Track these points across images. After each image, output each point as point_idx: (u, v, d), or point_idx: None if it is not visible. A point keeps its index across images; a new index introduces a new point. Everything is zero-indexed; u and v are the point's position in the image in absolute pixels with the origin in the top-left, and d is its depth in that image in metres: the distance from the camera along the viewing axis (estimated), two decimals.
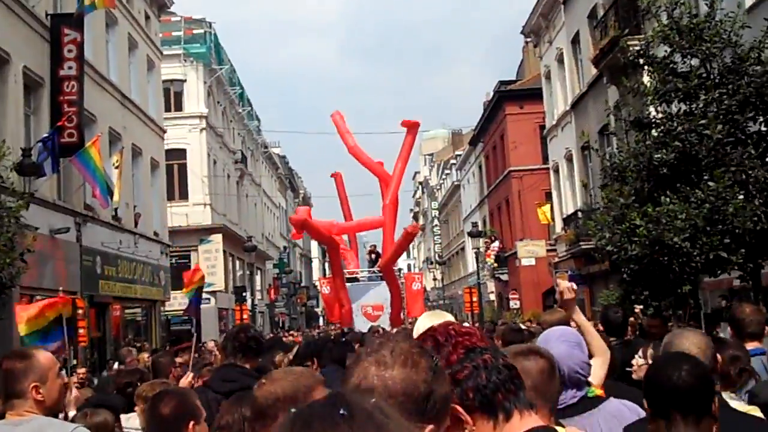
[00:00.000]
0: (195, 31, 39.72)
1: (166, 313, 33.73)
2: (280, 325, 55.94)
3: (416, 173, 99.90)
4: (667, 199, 9.56)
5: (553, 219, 34.48)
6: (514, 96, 40.80)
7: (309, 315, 75.69)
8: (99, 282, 23.03)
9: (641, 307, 13.40)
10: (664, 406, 3.00)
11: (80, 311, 18.25)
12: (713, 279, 12.67)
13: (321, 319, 68.20)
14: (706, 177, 9.46)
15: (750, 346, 5.00)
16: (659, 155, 9.99)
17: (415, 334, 4.37)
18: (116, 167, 22.19)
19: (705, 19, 10.55)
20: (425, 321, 4.25)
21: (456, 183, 63.14)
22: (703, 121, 9.60)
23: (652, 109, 12.21)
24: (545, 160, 37.00)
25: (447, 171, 69.67)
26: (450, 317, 4.40)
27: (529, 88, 39.46)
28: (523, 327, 14.43)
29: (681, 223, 9.20)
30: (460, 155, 61.25)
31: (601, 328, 14.71)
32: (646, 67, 11.23)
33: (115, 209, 23.27)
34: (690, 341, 3.75)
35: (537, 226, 36.73)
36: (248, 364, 5.12)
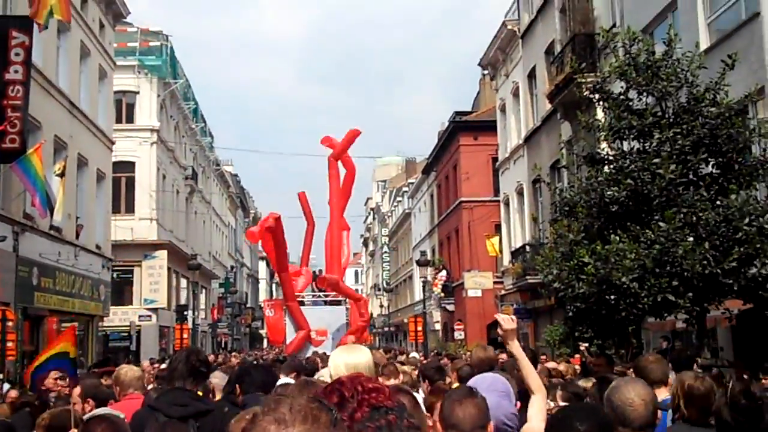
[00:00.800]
0: (151, 43, 39.18)
1: (105, 328, 32.91)
2: (223, 345, 55.08)
3: (368, 199, 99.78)
4: (617, 238, 9.39)
5: (501, 251, 34.50)
6: (468, 127, 40.92)
7: (253, 336, 74.88)
8: (35, 294, 22.28)
9: (586, 345, 13.25)
10: None
11: (10, 323, 17.55)
12: (657, 320, 12.60)
13: (265, 341, 67.44)
14: (657, 217, 9.32)
15: (659, 394, 5.07)
16: (611, 192, 9.85)
17: (330, 366, 4.46)
18: (58, 175, 21.55)
19: (662, 57, 10.49)
20: (341, 355, 4.47)
21: (407, 211, 63.09)
22: (656, 160, 9.49)
23: (604, 145, 12.13)
24: (496, 192, 37.06)
25: (399, 198, 69.64)
26: (367, 351, 4.59)
27: (484, 120, 39.61)
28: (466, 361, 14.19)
29: (630, 262, 9.03)
30: (412, 183, 61.25)
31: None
32: (600, 103, 11.13)
33: (52, 222, 22.47)
34: (636, 392, 3.72)
35: (485, 258, 36.72)
36: (195, 389, 5.05)
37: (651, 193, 9.46)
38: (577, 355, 16.49)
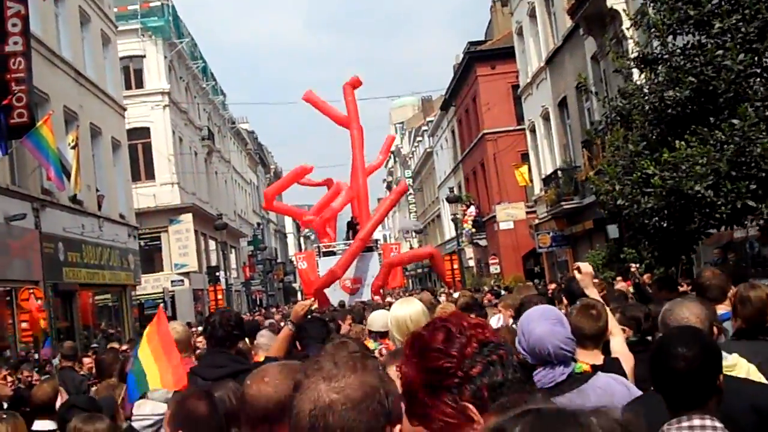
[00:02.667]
0: (152, 4, 38.12)
1: (138, 297, 32.63)
2: (258, 302, 54.95)
3: None
4: (683, 144, 8.51)
5: (531, 180, 33.65)
6: (484, 56, 39.69)
7: (287, 291, 74.87)
8: (63, 269, 21.85)
9: (637, 266, 12.51)
10: (669, 387, 2.95)
11: (39, 302, 17.05)
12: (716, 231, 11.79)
13: (299, 295, 67.32)
14: (725, 115, 8.40)
15: (719, 310, 5.12)
16: (671, 93, 8.91)
17: (390, 320, 5.01)
18: (73, 147, 20.91)
19: None
20: (399, 308, 5.00)
21: (428, 150, 62.12)
22: (719, 52, 8.52)
23: (632, 50, 11.02)
24: (520, 120, 36.09)
25: (419, 138, 68.60)
26: (420, 304, 5.07)
27: (500, 47, 38.38)
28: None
29: (702, 168, 8.11)
30: (431, 121, 60.18)
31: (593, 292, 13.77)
32: None
33: (75, 194, 21.90)
34: (690, 311, 3.81)
35: (514, 189, 35.95)
36: (233, 350, 5.23)
37: (717, 89, 8.49)
38: (619, 278, 15.83)
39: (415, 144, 71.31)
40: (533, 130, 32.56)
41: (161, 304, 17.04)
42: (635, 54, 10.17)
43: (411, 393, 1.86)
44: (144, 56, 37.51)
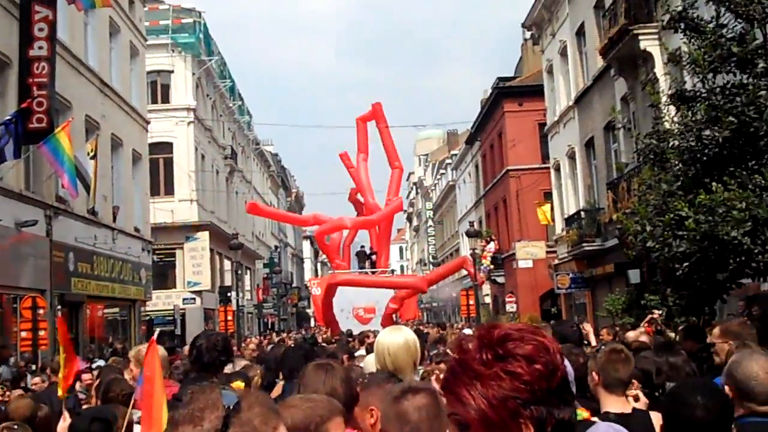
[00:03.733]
0: (184, 21, 38.19)
1: (148, 313, 32.27)
2: (269, 326, 54.49)
3: (410, 174, 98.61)
4: (721, 186, 8.03)
5: (553, 219, 33.11)
6: (513, 93, 39.38)
7: (300, 316, 74.34)
8: (71, 279, 21.50)
9: (659, 312, 11.96)
10: None
11: (41, 311, 16.69)
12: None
13: (312, 321, 66.86)
14: (766, 159, 7.90)
15: None
16: (709, 133, 8.44)
17: (375, 344, 4.79)
18: (91, 157, 20.64)
19: None
20: (385, 335, 4.79)
21: (451, 183, 61.72)
22: (762, 92, 8.07)
23: (668, 86, 10.56)
24: (545, 158, 35.64)
25: (442, 171, 68.28)
26: (406, 337, 4.79)
27: (528, 84, 38.05)
28: None
29: (739, 214, 7.65)
30: (455, 155, 59.85)
31: (607, 335, 13.17)
32: (686, 33, 9.61)
33: (88, 205, 21.63)
34: (760, 367, 3.54)
35: (535, 227, 35.41)
36: (216, 377, 5.00)
37: (759, 130, 8.02)
38: (646, 324, 15.32)
39: (438, 177, 70.99)
40: (558, 169, 32.09)
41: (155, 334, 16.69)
42: (672, 90, 9.71)
43: (463, 368, 1.70)
44: (172, 71, 37.51)
